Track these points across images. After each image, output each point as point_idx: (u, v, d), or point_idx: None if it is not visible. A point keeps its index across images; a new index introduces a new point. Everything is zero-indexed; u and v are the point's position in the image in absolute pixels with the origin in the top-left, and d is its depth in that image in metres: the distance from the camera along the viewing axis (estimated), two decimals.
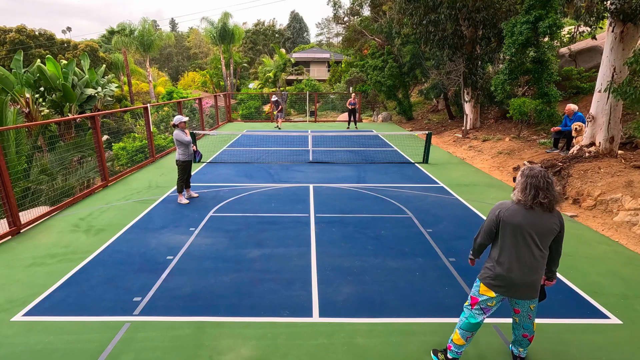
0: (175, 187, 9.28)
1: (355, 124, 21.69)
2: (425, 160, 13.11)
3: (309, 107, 31.80)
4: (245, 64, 56.36)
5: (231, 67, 47.56)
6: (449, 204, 8.91)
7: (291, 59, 43.44)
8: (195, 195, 9.19)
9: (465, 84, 18.35)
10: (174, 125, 8.61)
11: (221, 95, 26.36)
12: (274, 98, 20.61)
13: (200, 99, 19.88)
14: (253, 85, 49.37)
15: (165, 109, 24.88)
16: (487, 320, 5.02)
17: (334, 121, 27.28)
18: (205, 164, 12.77)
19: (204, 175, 11.32)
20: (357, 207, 8.69)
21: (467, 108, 18.75)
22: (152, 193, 9.77)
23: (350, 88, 31.96)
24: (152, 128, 12.98)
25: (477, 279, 3.94)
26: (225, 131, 18.72)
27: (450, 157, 14.32)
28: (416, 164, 12.89)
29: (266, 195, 9.50)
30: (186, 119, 8.59)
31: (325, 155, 13.94)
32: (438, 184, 10.63)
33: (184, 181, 8.83)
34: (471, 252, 4.10)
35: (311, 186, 10.21)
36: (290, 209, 8.51)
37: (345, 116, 29.25)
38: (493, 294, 3.79)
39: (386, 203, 8.87)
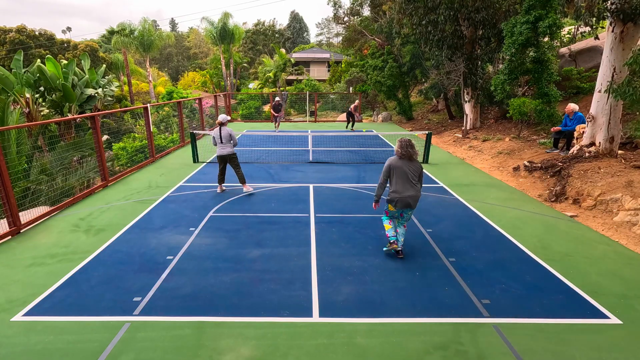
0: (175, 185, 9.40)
1: (352, 126, 21.36)
2: (425, 160, 13.03)
3: (309, 107, 31.72)
4: (245, 64, 56.22)
5: (231, 67, 47.32)
6: (449, 204, 8.90)
7: (291, 59, 43.16)
8: (222, 189, 9.64)
9: (465, 84, 18.31)
10: (221, 124, 9.18)
11: (221, 95, 26.30)
12: (277, 99, 20.09)
13: (200, 99, 19.71)
14: (253, 85, 49.26)
15: (166, 109, 24.75)
16: (487, 321, 5.04)
17: (334, 121, 27.14)
18: (205, 164, 12.72)
19: (204, 175, 11.26)
20: (358, 207, 8.65)
21: (467, 108, 18.71)
22: (152, 193, 9.74)
23: (350, 88, 32.03)
24: (152, 128, 12.99)
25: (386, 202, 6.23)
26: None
27: (450, 157, 14.27)
28: None
29: (266, 195, 9.47)
30: (229, 117, 9.21)
31: (325, 155, 13.86)
32: (438, 183, 10.60)
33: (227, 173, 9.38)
34: (375, 197, 6.20)
35: (311, 186, 10.19)
36: (290, 209, 8.48)
37: (344, 116, 29.03)
38: (394, 208, 6.14)
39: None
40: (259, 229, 7.50)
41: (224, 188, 9.70)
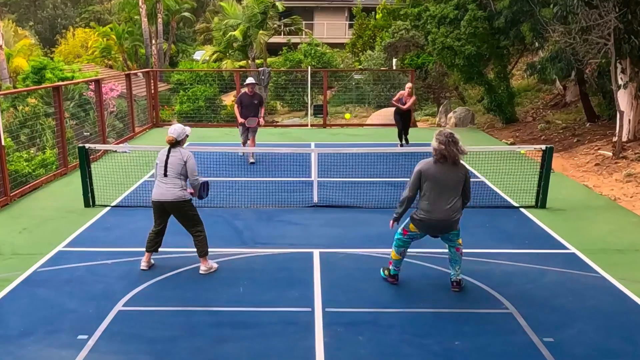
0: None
1: (406, 138, 14.19)
2: (541, 202, 10.09)
3: (311, 98, 21.31)
4: (187, 13, 38.31)
5: (159, 18, 33.09)
6: (586, 288, 6.90)
7: (278, 4, 29.28)
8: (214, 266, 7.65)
9: (619, 53, 13.04)
10: (174, 142, 7.14)
11: (140, 74, 20.51)
12: (249, 82, 12.44)
13: (98, 82, 14.51)
14: (202, 54, 34.31)
15: (31, 100, 18.67)
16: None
17: (361, 125, 20.15)
18: (107, 209, 9.98)
19: (105, 233, 8.86)
20: (407, 294, 6.74)
21: (624, 100, 13.76)
22: (3, 267, 7.48)
23: (394, 61, 22.38)
24: (1, 139, 9.99)
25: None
26: (148, 145, 14.49)
27: (590, 195, 11.22)
28: (523, 210, 10.09)
29: (229, 270, 7.40)
30: (188, 130, 7.06)
31: (342, 193, 10.82)
32: (566, 248, 8.34)
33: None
34: (396, 214, 6.22)
35: (316, 252, 8.04)
36: (275, 298, 6.69)
37: (382, 116, 19.99)
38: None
39: (465, 286, 6.84)
40: (215, 338, 5.72)
41: (152, 262, 7.36)
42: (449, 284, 6.81)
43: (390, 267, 6.20)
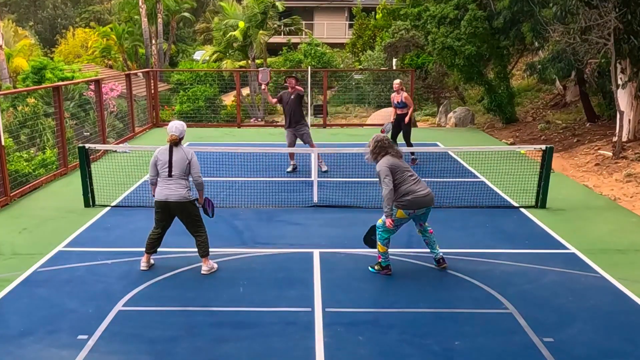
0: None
1: (402, 139, 12.75)
2: (541, 202, 10.06)
3: (311, 98, 21.69)
4: (187, 13, 38.66)
5: (159, 18, 33.26)
6: (586, 288, 6.92)
7: (278, 4, 29.39)
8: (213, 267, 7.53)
9: (618, 53, 13.16)
10: (176, 141, 7.12)
11: (140, 74, 20.70)
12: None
13: (98, 82, 14.70)
14: (202, 54, 34.67)
15: (30, 100, 18.57)
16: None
17: (361, 125, 20.52)
18: (107, 209, 9.94)
19: (105, 233, 8.84)
20: (408, 294, 6.75)
21: (624, 100, 13.84)
22: (2, 268, 7.44)
23: (394, 61, 22.83)
24: (1, 139, 9.99)
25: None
26: (149, 145, 14.54)
27: (590, 195, 11.18)
28: (523, 210, 10.05)
29: (229, 270, 7.38)
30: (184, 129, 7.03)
31: (342, 193, 10.85)
32: (566, 248, 8.31)
33: None
34: (388, 209, 6.37)
35: (316, 252, 8.04)
36: (275, 299, 6.68)
37: (382, 116, 19.71)
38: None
39: (464, 285, 6.86)
40: (215, 339, 5.72)
41: (152, 262, 7.31)
42: (449, 284, 6.84)
43: (380, 260, 6.56)
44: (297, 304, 6.12)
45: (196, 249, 7.47)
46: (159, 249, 7.52)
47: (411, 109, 12.19)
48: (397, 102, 11.84)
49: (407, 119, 12.01)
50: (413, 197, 6.24)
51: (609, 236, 8.83)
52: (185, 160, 6.76)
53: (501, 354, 5.11)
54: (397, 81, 12.03)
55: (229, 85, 26.05)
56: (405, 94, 12.00)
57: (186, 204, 6.87)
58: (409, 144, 11.99)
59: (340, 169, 12.25)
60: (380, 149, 6.44)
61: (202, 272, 7.12)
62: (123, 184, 11.33)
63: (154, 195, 7.05)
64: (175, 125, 6.93)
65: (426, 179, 9.73)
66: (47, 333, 5.44)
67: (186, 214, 6.92)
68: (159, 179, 6.86)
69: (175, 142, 6.84)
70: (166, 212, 6.86)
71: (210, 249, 7.55)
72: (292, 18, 32.45)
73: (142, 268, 7.05)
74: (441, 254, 6.64)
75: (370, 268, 6.69)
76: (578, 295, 6.56)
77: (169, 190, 6.80)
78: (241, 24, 27.67)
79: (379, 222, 6.48)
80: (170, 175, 6.71)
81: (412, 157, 12.46)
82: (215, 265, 7.28)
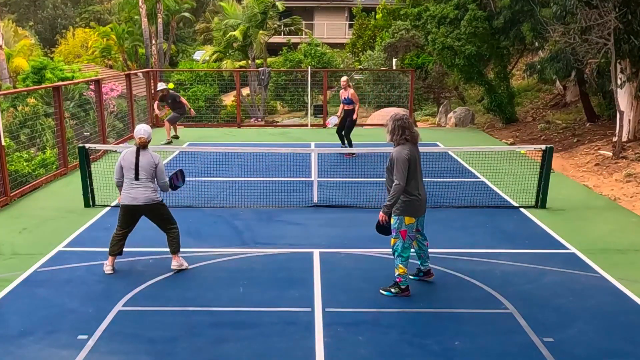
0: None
1: (345, 142, 13.39)
2: (541, 202, 10.08)
3: (311, 98, 21.96)
4: (187, 13, 38.83)
5: (159, 18, 33.30)
6: (586, 288, 6.92)
7: (278, 4, 29.60)
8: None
9: (618, 53, 13.15)
10: (143, 144, 7.16)
11: (140, 74, 20.58)
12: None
13: (98, 82, 14.72)
14: (202, 54, 34.87)
15: (30, 101, 18.54)
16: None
17: (361, 126, 20.36)
18: (107, 209, 9.94)
19: (105, 233, 8.68)
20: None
21: (624, 100, 13.82)
22: (2, 268, 7.44)
23: (394, 61, 22.95)
24: (1, 139, 10.00)
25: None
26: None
27: (590, 195, 11.19)
28: (523, 210, 10.04)
29: (228, 270, 7.38)
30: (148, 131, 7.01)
31: (342, 193, 10.84)
32: (566, 248, 8.30)
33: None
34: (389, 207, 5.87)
35: (316, 252, 8.03)
36: (275, 299, 6.69)
37: (382, 116, 19.95)
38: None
39: (464, 285, 6.91)
40: (215, 339, 5.75)
41: (115, 267, 7.31)
42: (449, 284, 6.83)
43: (400, 282, 6.14)
44: (297, 304, 6.13)
45: (196, 249, 7.49)
46: (159, 249, 7.46)
47: (357, 105, 12.87)
48: (345, 98, 12.59)
49: (355, 115, 12.76)
50: (415, 197, 5.89)
51: (609, 236, 8.84)
52: (152, 164, 6.82)
53: (501, 354, 5.12)
54: (344, 78, 12.80)
55: (229, 85, 26.30)
56: (352, 91, 12.82)
57: (155, 205, 6.89)
58: (347, 139, 12.88)
59: (341, 168, 12.32)
60: (400, 129, 5.83)
61: (172, 267, 7.12)
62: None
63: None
64: (144, 128, 6.97)
65: (426, 179, 10.28)
66: (47, 333, 5.46)
67: (156, 214, 6.98)
68: (124, 181, 6.89)
69: (144, 145, 6.89)
70: (133, 215, 6.95)
71: (210, 249, 7.59)
72: (292, 18, 32.59)
73: (106, 272, 7.04)
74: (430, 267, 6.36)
75: (384, 292, 6.19)
76: (578, 295, 6.59)
77: (136, 194, 6.84)
78: (241, 28, 27.92)
79: (392, 242, 5.98)
80: (137, 178, 6.73)
81: (350, 153, 13.14)
82: (185, 263, 7.26)
